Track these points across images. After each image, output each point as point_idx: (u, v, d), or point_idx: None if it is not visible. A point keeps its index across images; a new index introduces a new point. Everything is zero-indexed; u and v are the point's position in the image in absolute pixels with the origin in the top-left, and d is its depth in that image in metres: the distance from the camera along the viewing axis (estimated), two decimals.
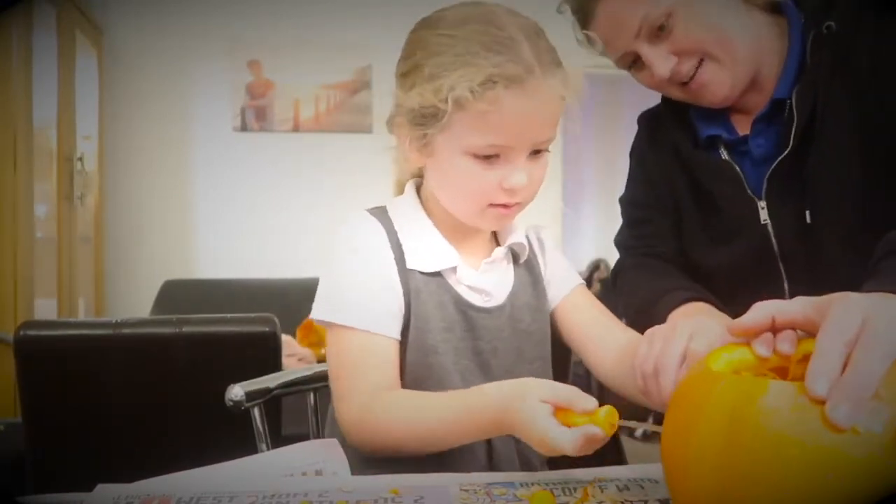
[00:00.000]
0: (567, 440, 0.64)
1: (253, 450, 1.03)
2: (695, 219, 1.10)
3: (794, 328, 0.59)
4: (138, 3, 3.75)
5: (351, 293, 0.84)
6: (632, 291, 1.12)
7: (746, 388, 0.52)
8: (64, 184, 3.17)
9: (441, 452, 0.80)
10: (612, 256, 1.25)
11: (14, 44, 2.69)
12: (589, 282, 3.94)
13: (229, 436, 1.00)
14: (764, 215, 1.01)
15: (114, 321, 1.38)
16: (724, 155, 1.05)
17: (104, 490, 0.66)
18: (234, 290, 3.12)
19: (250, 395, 1.02)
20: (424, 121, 0.81)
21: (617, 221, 1.24)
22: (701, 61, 0.97)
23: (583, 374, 1.44)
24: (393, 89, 0.87)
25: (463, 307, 0.88)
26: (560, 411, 0.67)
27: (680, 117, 1.09)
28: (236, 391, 1.01)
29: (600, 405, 0.66)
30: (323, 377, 1.10)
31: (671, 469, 0.58)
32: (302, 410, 1.11)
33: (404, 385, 0.85)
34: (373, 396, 0.81)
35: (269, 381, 1.06)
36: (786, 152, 0.97)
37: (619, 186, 1.23)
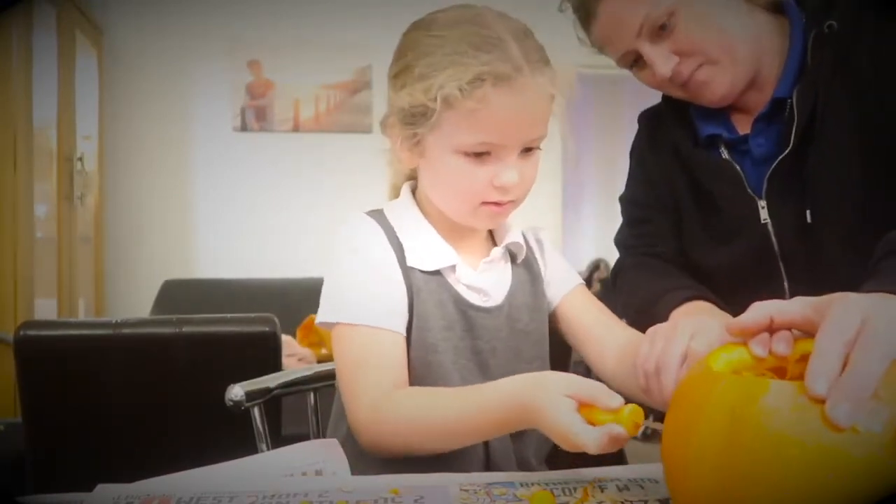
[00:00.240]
0: (591, 438, 0.63)
1: (253, 450, 1.03)
2: (695, 218, 1.10)
3: (792, 328, 0.59)
4: (138, 3, 3.75)
5: (354, 291, 0.85)
6: (632, 291, 1.12)
7: (747, 387, 0.52)
8: (64, 184, 3.17)
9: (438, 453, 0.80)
10: (612, 256, 1.25)
11: (14, 44, 2.69)
12: (589, 282, 3.94)
13: (229, 436, 1.01)
14: (764, 215, 1.01)
15: (114, 321, 1.38)
16: (725, 154, 1.05)
17: (104, 490, 0.66)
18: (234, 290, 3.12)
19: (250, 395, 1.02)
20: (415, 120, 0.82)
21: (617, 221, 1.24)
22: (701, 64, 0.98)
23: (583, 373, 1.44)
24: (382, 93, 0.88)
25: (462, 306, 0.88)
26: (584, 407, 0.66)
27: (680, 116, 1.09)
28: (236, 391, 1.01)
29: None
30: (323, 377, 1.10)
31: (671, 469, 0.58)
32: (302, 410, 1.11)
33: (408, 383, 0.85)
34: (384, 394, 0.80)
35: (269, 381, 1.06)
36: (786, 152, 0.97)
37: (619, 186, 1.23)
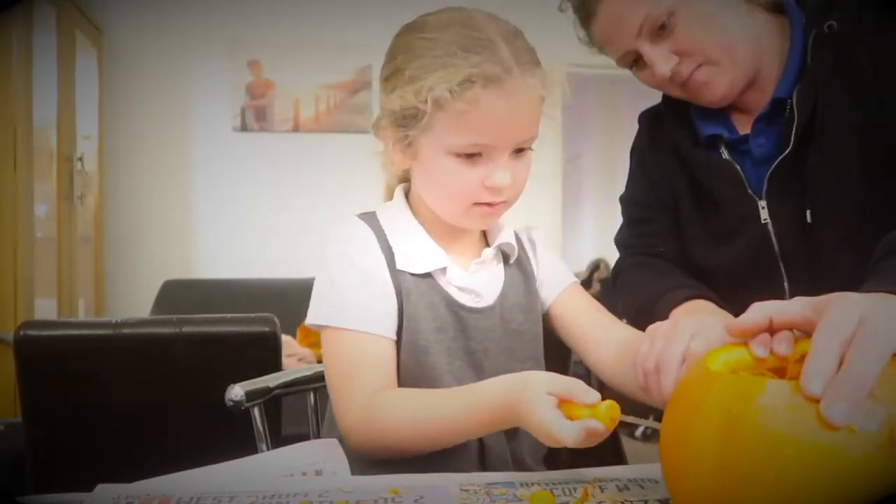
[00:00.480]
0: (569, 433, 0.65)
1: (253, 450, 1.03)
2: (695, 218, 1.10)
3: (792, 328, 0.59)
4: (138, 3, 3.75)
5: (343, 295, 0.85)
6: (632, 290, 1.13)
7: (743, 387, 0.52)
8: (64, 184, 3.17)
9: (433, 453, 0.80)
10: (612, 256, 1.25)
11: (14, 44, 2.69)
12: (589, 282, 3.94)
13: (229, 436, 1.01)
14: (764, 215, 1.01)
15: (114, 321, 1.38)
16: (725, 154, 1.05)
17: (104, 490, 0.66)
18: (234, 290, 3.12)
19: (250, 395, 1.02)
20: (406, 122, 0.83)
21: (617, 221, 1.24)
22: (701, 64, 0.98)
23: (583, 373, 1.44)
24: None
25: (454, 308, 0.88)
26: (564, 403, 0.68)
27: (681, 116, 1.09)
28: (236, 391, 1.01)
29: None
30: (323, 377, 1.10)
31: (670, 469, 0.58)
32: (302, 410, 1.12)
33: (399, 386, 0.85)
34: (372, 397, 0.81)
35: (269, 381, 1.06)
36: (786, 152, 0.97)
37: (619, 186, 1.23)
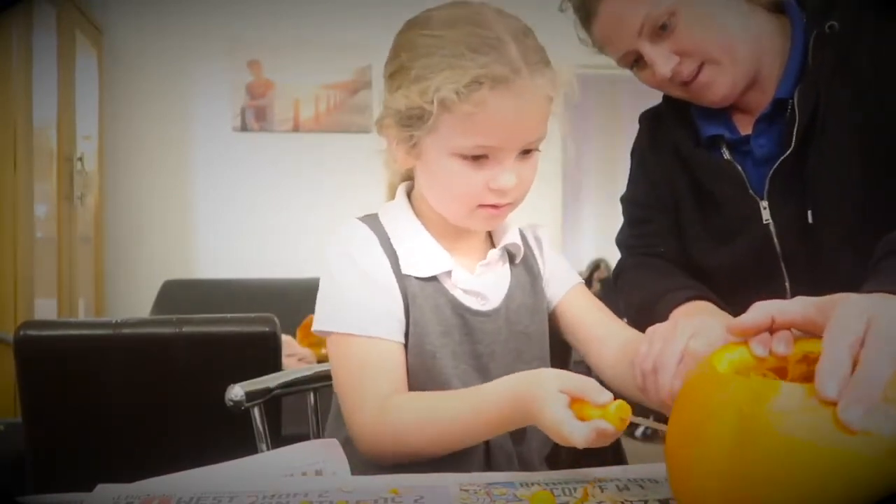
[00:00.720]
0: (579, 433, 0.64)
1: (253, 450, 1.03)
2: (696, 218, 1.09)
3: (793, 328, 0.59)
4: (138, 3, 3.75)
5: (349, 301, 0.84)
6: (633, 291, 1.12)
7: (756, 390, 0.52)
8: (64, 184, 3.17)
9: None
10: (613, 256, 1.25)
11: (14, 44, 2.69)
12: (589, 282, 3.94)
13: (229, 436, 1.00)
14: (766, 215, 1.01)
15: (114, 321, 1.38)
16: (726, 155, 1.05)
17: (104, 490, 0.66)
18: (234, 290, 3.12)
19: (250, 395, 1.02)
20: (411, 122, 0.81)
21: (617, 221, 1.24)
22: (701, 64, 0.98)
23: (583, 373, 1.43)
24: (382, 91, 0.86)
25: (460, 311, 0.87)
26: (576, 402, 0.67)
27: (681, 116, 1.09)
28: (236, 391, 1.01)
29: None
30: (323, 377, 1.10)
31: (676, 470, 0.58)
32: (302, 410, 1.11)
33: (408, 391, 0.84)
34: (383, 402, 0.80)
35: (269, 381, 1.06)
36: (788, 152, 0.97)
37: (619, 186, 1.23)
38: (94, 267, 3.59)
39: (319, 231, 3.52)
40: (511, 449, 0.89)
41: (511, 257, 0.94)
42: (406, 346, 0.85)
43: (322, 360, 2.08)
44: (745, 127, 1.04)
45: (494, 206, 0.83)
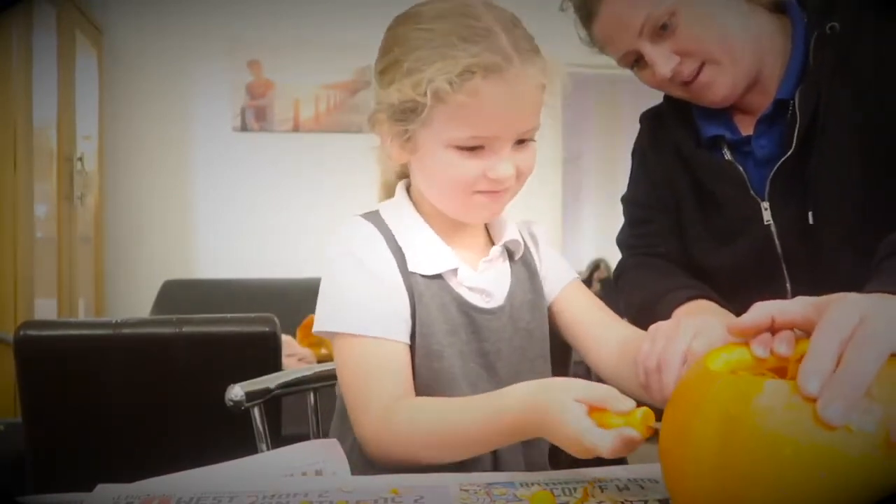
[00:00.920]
0: (604, 442, 0.62)
1: (253, 450, 1.03)
2: (697, 218, 1.09)
3: (793, 328, 0.59)
4: (138, 3, 3.75)
5: (355, 301, 0.82)
6: (634, 291, 1.12)
7: (742, 387, 0.52)
8: (64, 184, 3.17)
9: None
10: (612, 256, 1.25)
11: (14, 44, 2.69)
12: (589, 282, 3.95)
13: (229, 436, 1.01)
14: (767, 216, 1.01)
15: (114, 321, 1.38)
16: (728, 155, 1.04)
17: (104, 490, 0.66)
18: (234, 290, 3.12)
19: (250, 395, 1.02)
20: (405, 116, 0.80)
21: (617, 221, 1.24)
22: (702, 64, 0.97)
23: (583, 373, 1.43)
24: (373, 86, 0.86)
25: (466, 309, 0.86)
26: (594, 411, 0.65)
27: (682, 116, 1.09)
28: (236, 391, 1.01)
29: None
30: (323, 377, 1.10)
31: (669, 468, 0.58)
32: (302, 410, 1.11)
33: (414, 392, 0.83)
34: (392, 405, 0.78)
35: (269, 381, 1.06)
36: (789, 153, 0.96)
37: (619, 186, 1.23)
38: (94, 267, 3.59)
39: (319, 231, 3.52)
40: (519, 452, 0.88)
41: (510, 254, 0.94)
42: (412, 346, 0.84)
43: (322, 360, 2.08)
44: (746, 127, 1.04)
45: (491, 193, 0.83)
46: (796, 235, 0.99)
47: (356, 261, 0.84)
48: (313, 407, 1.11)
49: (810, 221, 0.96)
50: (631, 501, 0.64)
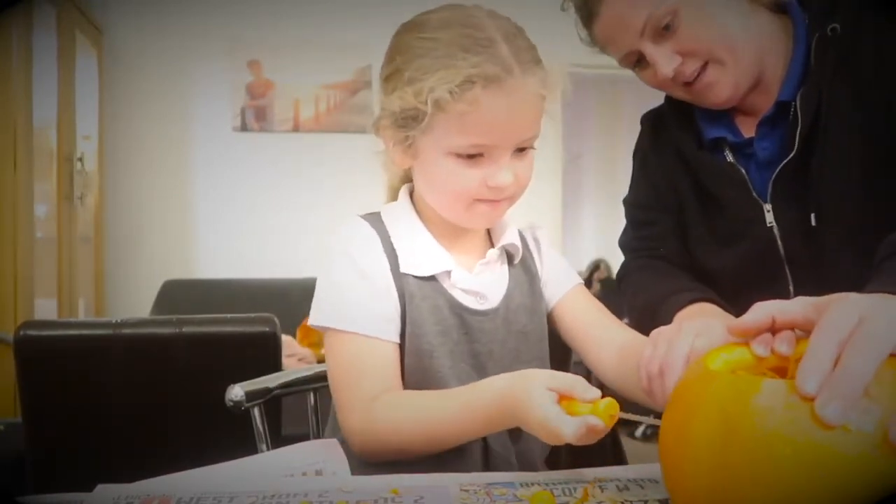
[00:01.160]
0: (568, 428, 0.65)
1: (253, 450, 1.03)
2: (699, 220, 1.09)
3: (794, 328, 0.59)
4: (138, 3, 3.75)
5: (347, 298, 0.85)
6: (637, 294, 1.12)
7: (740, 386, 0.52)
8: (64, 184, 3.17)
9: (436, 456, 0.80)
10: (612, 256, 1.25)
11: (14, 44, 2.69)
12: (589, 282, 3.94)
13: (229, 436, 1.01)
14: (769, 218, 1.01)
15: (114, 321, 1.38)
16: (730, 157, 1.04)
17: (104, 490, 0.66)
18: (234, 290, 3.12)
19: (250, 395, 1.02)
20: (406, 123, 0.82)
21: (617, 221, 1.24)
22: (705, 64, 0.97)
23: (583, 373, 1.42)
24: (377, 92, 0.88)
25: (458, 310, 0.88)
26: (564, 400, 0.68)
27: (684, 118, 1.08)
28: (236, 391, 1.01)
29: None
30: (323, 377, 1.10)
31: (668, 468, 0.58)
32: (302, 410, 1.11)
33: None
34: (374, 400, 0.81)
35: (269, 381, 1.06)
36: (791, 155, 0.96)
37: (619, 186, 1.23)
38: (94, 267, 3.59)
39: (319, 231, 3.52)
40: (510, 448, 0.89)
41: (510, 258, 0.94)
42: (403, 345, 0.85)
43: (322, 360, 2.08)
44: (747, 129, 1.04)
45: (492, 202, 0.84)
46: (799, 237, 0.98)
47: (349, 260, 0.86)
48: (313, 407, 1.11)
49: (813, 223, 0.96)
50: (631, 501, 0.64)
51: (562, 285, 0.97)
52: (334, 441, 0.84)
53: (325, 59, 3.87)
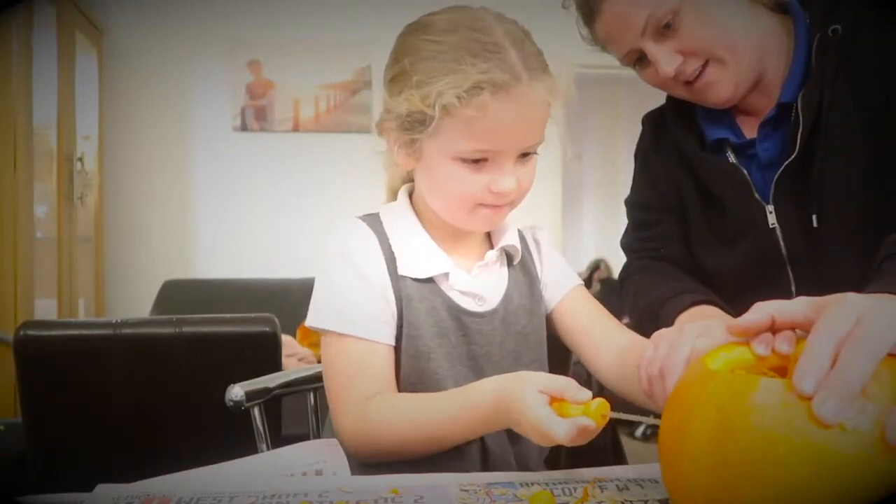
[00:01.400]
0: (560, 429, 0.65)
1: (253, 450, 1.03)
2: (701, 221, 1.09)
3: (794, 328, 0.59)
4: (138, 3, 3.75)
5: (342, 300, 0.85)
6: (638, 295, 1.12)
7: (738, 385, 0.52)
8: (64, 184, 3.17)
9: (434, 457, 0.80)
10: (613, 256, 1.25)
11: (14, 44, 2.69)
12: (589, 282, 3.94)
13: (229, 436, 1.01)
14: (772, 219, 1.00)
15: (114, 321, 1.38)
16: (732, 158, 1.04)
17: (104, 490, 0.66)
18: (234, 290, 3.12)
19: (250, 395, 1.02)
20: (412, 126, 0.82)
21: (617, 221, 1.24)
22: (706, 63, 0.97)
23: (583, 375, 1.43)
24: (382, 93, 0.87)
25: (456, 312, 0.87)
26: (556, 402, 0.69)
27: (685, 119, 1.08)
28: (236, 391, 1.01)
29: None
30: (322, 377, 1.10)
31: (667, 467, 0.58)
32: (302, 410, 1.11)
33: (401, 392, 0.85)
34: (368, 402, 0.81)
35: (269, 381, 1.06)
36: (793, 156, 0.96)
37: (619, 186, 1.24)
38: (94, 267, 3.58)
39: (319, 231, 3.50)
40: (508, 448, 0.89)
41: (509, 259, 0.94)
42: (399, 348, 0.85)
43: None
44: (749, 130, 1.04)
45: (494, 206, 0.84)
46: (801, 238, 0.98)
47: (347, 262, 0.86)
48: (313, 407, 1.11)
49: (814, 224, 0.96)
50: (631, 501, 0.64)
51: (562, 287, 0.97)
52: (334, 441, 0.83)
53: (325, 59, 3.87)
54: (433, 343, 0.86)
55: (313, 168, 3.87)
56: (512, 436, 0.88)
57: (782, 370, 0.59)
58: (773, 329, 0.59)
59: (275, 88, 3.87)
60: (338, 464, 0.79)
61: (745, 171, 1.02)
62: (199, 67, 3.84)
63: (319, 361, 1.81)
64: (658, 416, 0.62)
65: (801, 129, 0.95)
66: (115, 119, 3.74)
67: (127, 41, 3.76)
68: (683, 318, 0.98)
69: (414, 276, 0.86)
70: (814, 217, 0.96)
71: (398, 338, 0.86)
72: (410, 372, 0.85)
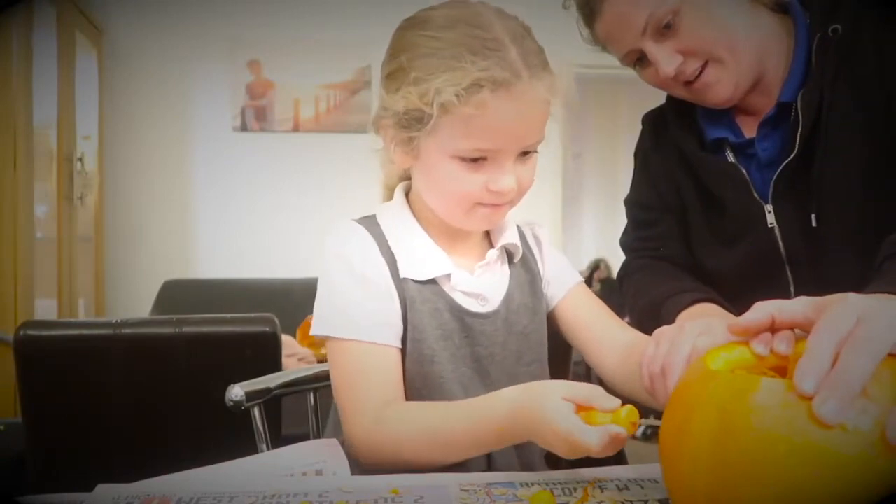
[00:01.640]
0: (593, 439, 0.63)
1: (253, 450, 1.03)
2: (700, 221, 1.09)
3: (794, 328, 0.59)
4: (138, 3, 3.75)
5: (346, 306, 0.83)
6: (638, 294, 1.12)
7: (739, 385, 0.52)
8: (64, 184, 3.17)
9: None
10: (613, 256, 1.25)
11: (14, 44, 2.69)
12: (589, 282, 3.94)
13: (229, 436, 1.01)
14: (771, 219, 1.00)
15: (114, 321, 1.38)
16: (731, 158, 1.04)
17: (104, 490, 0.66)
18: (234, 290, 3.12)
19: (250, 395, 1.02)
20: (410, 124, 0.80)
21: (617, 221, 1.24)
22: (706, 63, 0.97)
23: (583, 374, 1.44)
24: (378, 90, 0.86)
25: (459, 314, 0.86)
26: (581, 410, 0.66)
27: (685, 118, 1.08)
28: (236, 391, 1.01)
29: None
30: (323, 377, 1.10)
31: (668, 466, 0.58)
32: (302, 410, 1.11)
33: (405, 396, 0.84)
34: (381, 409, 0.79)
35: (269, 381, 1.06)
36: (792, 156, 0.96)
37: (619, 186, 1.23)
38: (94, 267, 3.59)
39: (320, 231, 3.49)
40: (514, 454, 0.88)
41: (510, 257, 0.93)
42: (404, 350, 0.84)
43: (322, 360, 2.08)
44: (749, 130, 1.04)
45: (493, 205, 0.83)
46: (800, 238, 0.98)
47: (348, 266, 0.84)
48: (313, 407, 1.11)
49: (813, 223, 0.96)
50: (631, 501, 0.64)
51: (563, 284, 0.96)
52: (334, 441, 0.83)
53: (325, 59, 3.87)
54: (437, 346, 0.85)
55: (313, 168, 3.87)
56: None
57: (782, 370, 0.59)
58: (774, 329, 0.59)
59: (275, 88, 3.87)
60: (338, 464, 0.79)
61: (745, 171, 1.02)
62: (199, 67, 3.84)
63: (320, 361, 1.81)
64: (658, 416, 0.62)
65: (800, 129, 0.95)
66: (115, 119, 3.74)
67: (127, 41, 3.76)
68: (684, 317, 0.98)
69: (416, 278, 0.85)
70: (813, 217, 0.96)
71: (402, 340, 0.84)
72: (415, 376, 0.84)
